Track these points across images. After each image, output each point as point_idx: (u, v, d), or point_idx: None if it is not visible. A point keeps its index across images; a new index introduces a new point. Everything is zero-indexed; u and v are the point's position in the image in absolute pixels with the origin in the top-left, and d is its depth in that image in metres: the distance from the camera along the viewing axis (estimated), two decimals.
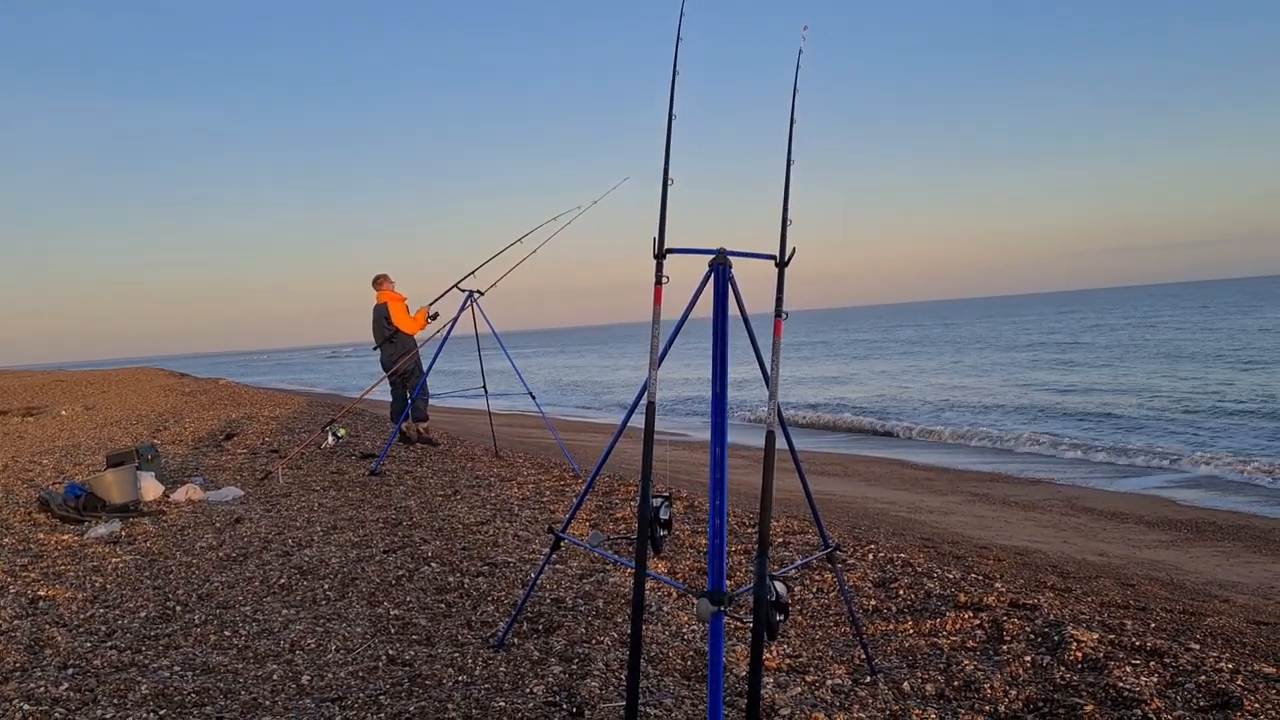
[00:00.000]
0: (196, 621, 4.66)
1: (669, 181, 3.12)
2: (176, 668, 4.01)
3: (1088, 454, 15.01)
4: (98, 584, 5.42)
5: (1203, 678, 3.68)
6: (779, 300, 3.13)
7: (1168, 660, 3.90)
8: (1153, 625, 4.74)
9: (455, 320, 10.13)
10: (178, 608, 4.91)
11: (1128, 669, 3.80)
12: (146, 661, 4.10)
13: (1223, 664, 3.84)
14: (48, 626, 4.61)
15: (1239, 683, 3.64)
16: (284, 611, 4.81)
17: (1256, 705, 3.42)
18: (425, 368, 11.12)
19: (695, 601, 3.02)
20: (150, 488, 8.04)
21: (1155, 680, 3.71)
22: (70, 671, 3.98)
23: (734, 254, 3.21)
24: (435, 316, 10.86)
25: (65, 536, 6.66)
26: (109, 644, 4.33)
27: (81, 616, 4.81)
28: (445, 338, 10.34)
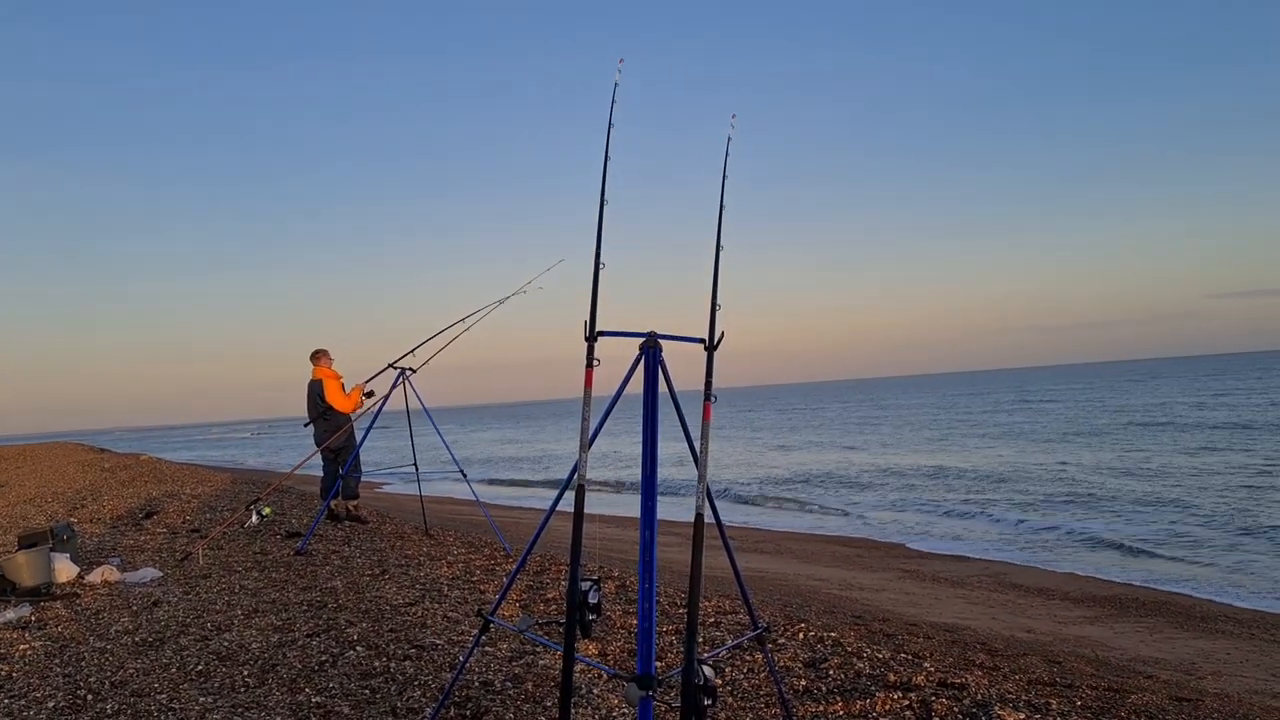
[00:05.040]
0: (108, 711, 4.48)
1: (600, 265, 3.17)
2: None
3: (1013, 530, 15.25)
4: (3, 672, 5.19)
5: None
6: (708, 384, 3.17)
7: None
8: (1078, 704, 4.80)
9: (386, 398, 10.05)
10: (89, 696, 4.72)
11: None
12: None
13: None
14: None
15: None
16: (201, 699, 4.64)
17: None
18: (358, 443, 10.97)
19: (625, 685, 2.99)
20: (64, 569, 7.76)
21: None
22: None
23: (664, 337, 3.26)
24: (371, 395, 10.75)
25: None
26: None
27: None
28: (376, 415, 10.23)
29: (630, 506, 19.62)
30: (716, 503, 3.61)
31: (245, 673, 5.09)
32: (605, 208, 3.24)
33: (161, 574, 8.13)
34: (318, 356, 11.20)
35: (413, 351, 9.74)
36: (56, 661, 5.40)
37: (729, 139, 3.64)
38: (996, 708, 4.29)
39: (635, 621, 6.05)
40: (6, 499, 16.78)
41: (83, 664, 5.33)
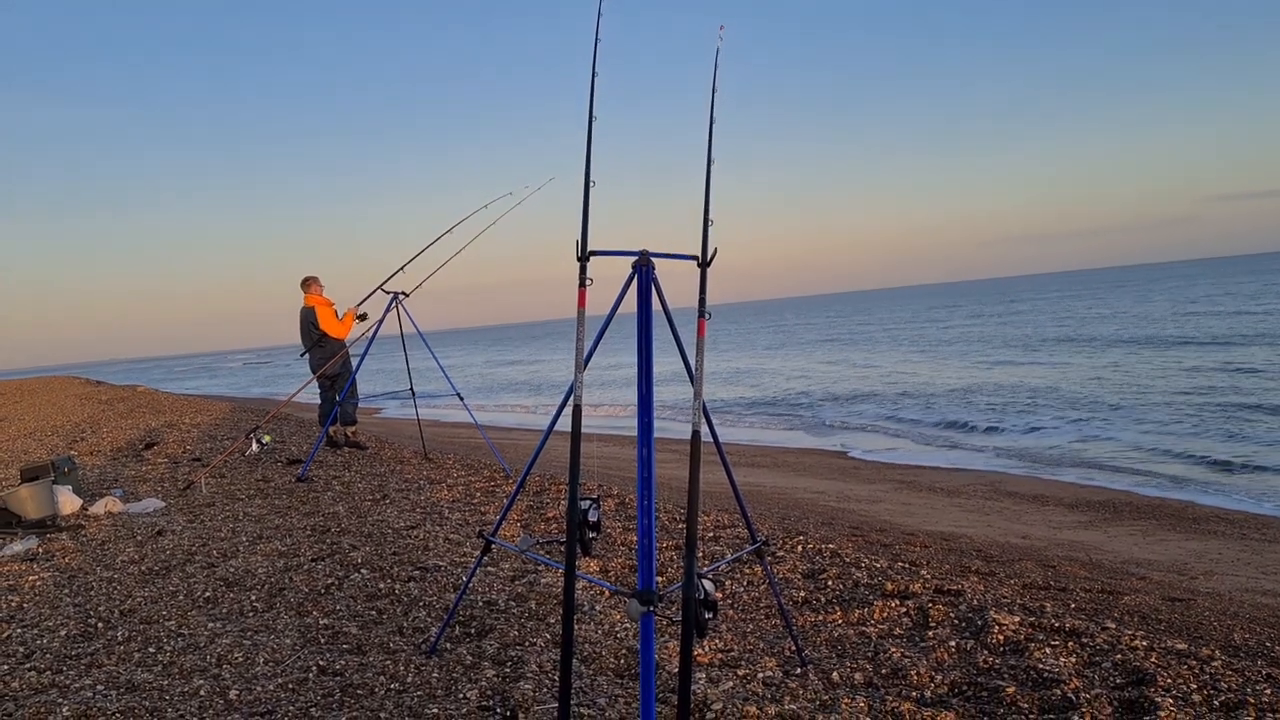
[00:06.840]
0: (119, 639, 4.55)
1: (591, 183, 3.13)
2: (100, 687, 3.91)
3: (1008, 440, 15.38)
4: (14, 603, 5.26)
5: (1119, 656, 3.81)
6: (702, 300, 3.15)
7: (1085, 640, 4.03)
8: (1072, 606, 4.89)
9: (380, 323, 10.03)
10: (99, 625, 4.79)
11: (1047, 650, 3.91)
12: (68, 682, 3.99)
13: (1138, 642, 3.97)
14: None
15: (1153, 660, 3.77)
16: (210, 625, 4.72)
17: (1169, 680, 3.54)
18: (354, 369, 10.99)
19: (626, 601, 3.03)
20: (67, 501, 7.82)
21: (1074, 660, 3.82)
22: None
23: (656, 255, 3.23)
24: (364, 317, 10.72)
25: None
26: (28, 665, 4.21)
27: None
28: (370, 340, 10.22)
29: (628, 425, 19.74)
30: (713, 419, 3.62)
31: (253, 597, 5.17)
32: (594, 124, 3.18)
33: (164, 504, 8.19)
34: (308, 284, 11.14)
35: (402, 269, 9.68)
36: (65, 592, 5.47)
37: (718, 51, 3.56)
38: (992, 612, 4.37)
39: (635, 538, 6.13)
40: (6, 433, 16.85)
41: (91, 593, 5.40)
